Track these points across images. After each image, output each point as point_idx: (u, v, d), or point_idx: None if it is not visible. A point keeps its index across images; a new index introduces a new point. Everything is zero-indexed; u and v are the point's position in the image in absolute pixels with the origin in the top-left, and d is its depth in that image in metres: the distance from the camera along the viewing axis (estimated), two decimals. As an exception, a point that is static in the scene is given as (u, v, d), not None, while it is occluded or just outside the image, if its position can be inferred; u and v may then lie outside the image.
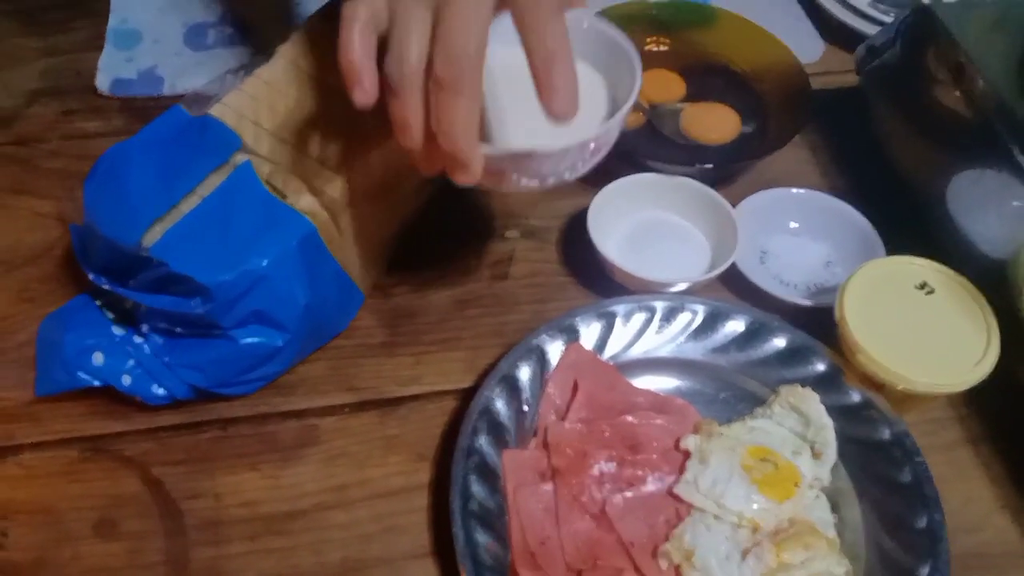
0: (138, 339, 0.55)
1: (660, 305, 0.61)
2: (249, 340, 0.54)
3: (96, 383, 0.55)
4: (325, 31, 0.61)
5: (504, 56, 0.48)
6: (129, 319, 0.56)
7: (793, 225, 0.69)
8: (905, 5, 0.84)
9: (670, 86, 0.76)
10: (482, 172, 0.46)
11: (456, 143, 0.43)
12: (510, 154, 0.47)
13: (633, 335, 0.61)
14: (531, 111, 0.45)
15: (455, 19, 0.41)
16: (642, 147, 0.72)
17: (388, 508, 0.55)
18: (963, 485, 0.57)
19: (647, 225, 0.69)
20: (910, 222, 0.66)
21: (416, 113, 0.43)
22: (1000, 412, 0.60)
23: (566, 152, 0.48)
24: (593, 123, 0.51)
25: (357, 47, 0.43)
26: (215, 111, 0.57)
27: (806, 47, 0.84)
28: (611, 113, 0.52)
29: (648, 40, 0.80)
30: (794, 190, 0.69)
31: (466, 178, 0.45)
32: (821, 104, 0.74)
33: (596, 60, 0.54)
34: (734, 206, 0.66)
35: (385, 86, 0.43)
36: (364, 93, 0.43)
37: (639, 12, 0.79)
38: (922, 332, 0.56)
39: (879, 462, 0.55)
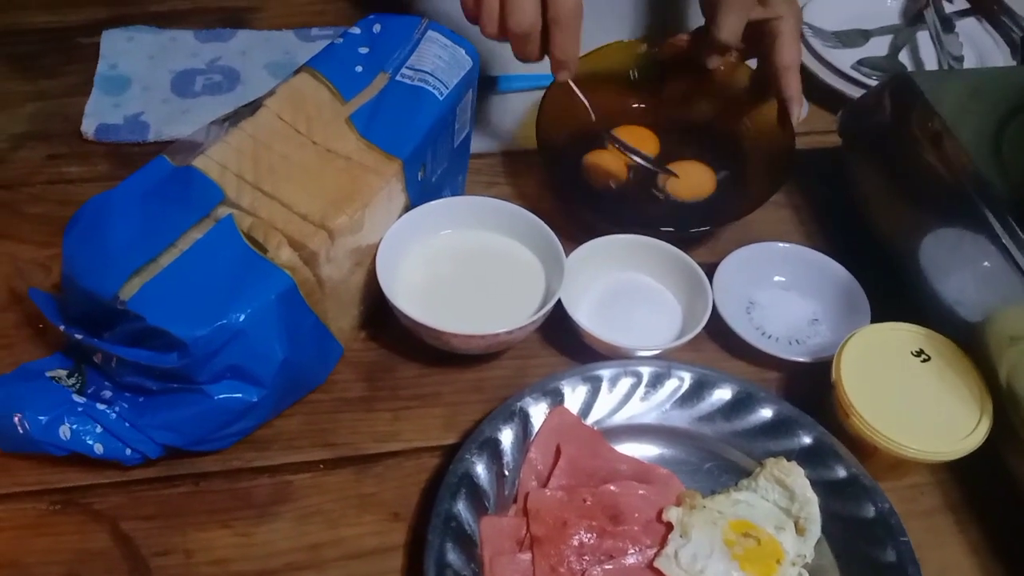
0: (101, 406, 0.54)
1: (647, 371, 0.60)
2: (224, 396, 0.53)
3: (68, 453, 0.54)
4: (310, 86, 0.62)
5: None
6: (95, 375, 0.55)
7: (778, 279, 0.70)
8: (886, 69, 0.86)
9: (644, 143, 0.76)
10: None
11: (568, 56, 0.63)
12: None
13: (619, 401, 0.60)
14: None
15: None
16: (621, 205, 0.72)
17: (361, 569, 0.54)
18: (941, 553, 0.57)
19: (619, 287, 0.68)
20: (889, 283, 0.66)
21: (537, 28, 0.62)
22: (979, 478, 0.60)
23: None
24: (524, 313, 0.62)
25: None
26: (199, 163, 0.57)
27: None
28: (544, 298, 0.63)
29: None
30: (780, 244, 0.70)
31: (565, 76, 0.65)
32: (806, 164, 0.75)
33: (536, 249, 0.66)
34: (718, 260, 0.67)
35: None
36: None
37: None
38: (916, 399, 0.56)
39: (863, 540, 0.54)
